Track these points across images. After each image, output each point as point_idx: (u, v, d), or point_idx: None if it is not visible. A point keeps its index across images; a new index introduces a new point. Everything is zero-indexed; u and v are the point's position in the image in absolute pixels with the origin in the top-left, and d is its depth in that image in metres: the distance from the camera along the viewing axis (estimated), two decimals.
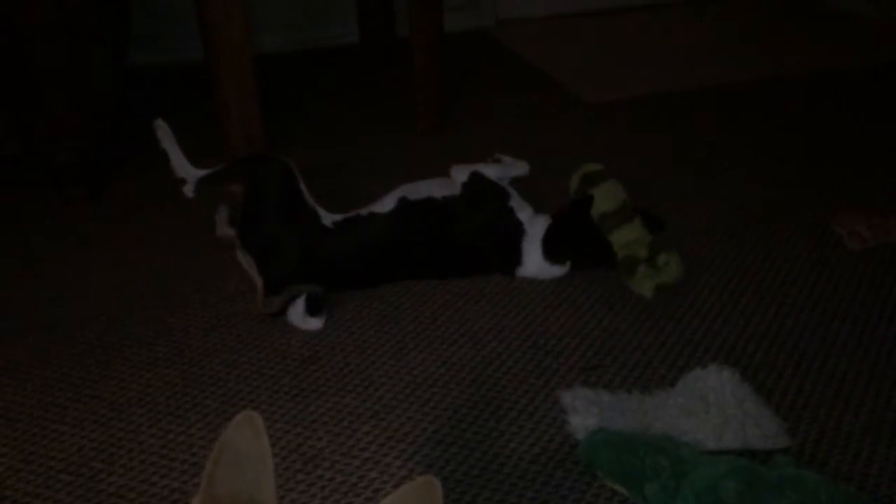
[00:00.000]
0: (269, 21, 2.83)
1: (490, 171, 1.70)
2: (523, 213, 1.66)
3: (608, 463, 1.14)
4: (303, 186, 1.58)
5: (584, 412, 1.25)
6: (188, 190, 1.66)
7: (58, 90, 1.84)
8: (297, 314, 1.50)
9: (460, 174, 1.69)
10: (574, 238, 1.63)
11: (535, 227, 1.64)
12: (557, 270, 1.64)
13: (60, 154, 1.90)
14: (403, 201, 1.62)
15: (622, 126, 2.34)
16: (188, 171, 1.67)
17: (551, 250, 1.62)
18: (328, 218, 1.60)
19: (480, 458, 1.22)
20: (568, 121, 2.39)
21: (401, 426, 1.28)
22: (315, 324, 1.50)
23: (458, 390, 1.36)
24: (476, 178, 1.68)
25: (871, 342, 1.45)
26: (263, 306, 1.53)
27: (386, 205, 1.62)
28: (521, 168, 1.78)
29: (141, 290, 1.65)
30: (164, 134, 1.69)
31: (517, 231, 1.63)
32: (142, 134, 2.27)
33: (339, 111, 2.46)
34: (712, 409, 1.23)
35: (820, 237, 1.77)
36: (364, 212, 1.62)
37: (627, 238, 1.60)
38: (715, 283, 1.63)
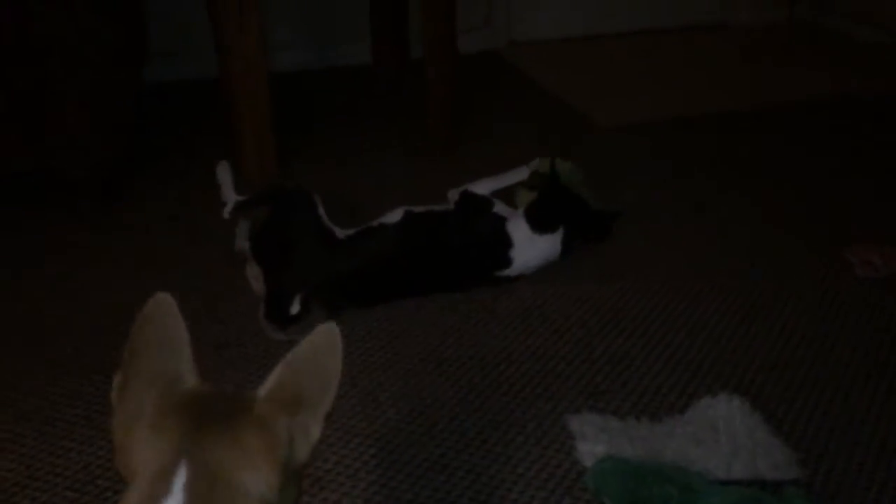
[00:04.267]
0: (283, 40, 2.84)
1: (479, 187, 1.83)
2: (506, 211, 1.77)
3: (616, 491, 1.13)
4: (321, 212, 1.66)
5: (593, 438, 1.25)
6: (225, 211, 1.80)
7: (74, 106, 1.85)
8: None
9: (454, 195, 1.83)
10: (556, 202, 1.74)
11: (517, 214, 1.74)
12: (549, 243, 1.71)
13: (76, 169, 1.91)
14: (408, 213, 1.69)
15: (632, 149, 2.34)
16: (230, 197, 1.82)
17: (536, 218, 1.71)
18: (342, 234, 1.65)
19: (487, 483, 1.21)
20: (578, 143, 2.39)
21: (407, 449, 1.28)
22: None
23: (465, 413, 1.35)
24: (466, 194, 1.81)
25: (883, 373, 1.44)
26: (266, 324, 1.54)
27: (393, 216, 1.69)
28: (520, 174, 1.92)
29: None
30: (224, 172, 1.88)
31: (500, 223, 1.71)
32: (156, 149, 2.29)
33: (351, 131, 2.47)
34: (722, 438, 1.22)
35: (830, 266, 1.76)
36: (374, 223, 1.68)
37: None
38: (724, 310, 1.62)
